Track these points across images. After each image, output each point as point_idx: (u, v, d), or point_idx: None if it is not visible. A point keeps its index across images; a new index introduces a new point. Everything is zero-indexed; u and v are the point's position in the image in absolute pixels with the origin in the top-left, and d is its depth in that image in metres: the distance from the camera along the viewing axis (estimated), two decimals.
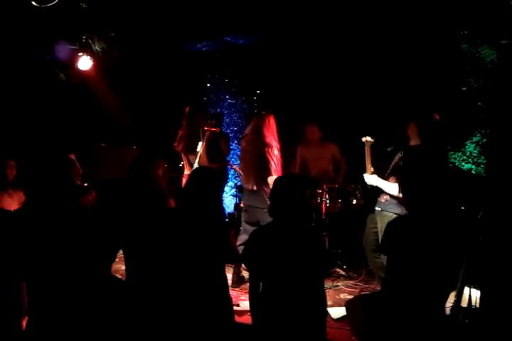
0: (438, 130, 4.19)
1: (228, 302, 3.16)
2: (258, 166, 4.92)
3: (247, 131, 5.25)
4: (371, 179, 4.35)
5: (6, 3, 5.35)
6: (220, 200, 5.83)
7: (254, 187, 4.93)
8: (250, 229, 4.89)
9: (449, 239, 2.71)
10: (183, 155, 5.80)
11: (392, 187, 4.10)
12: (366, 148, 4.59)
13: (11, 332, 2.60)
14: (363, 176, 4.46)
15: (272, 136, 4.94)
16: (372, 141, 4.62)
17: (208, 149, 5.51)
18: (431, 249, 2.69)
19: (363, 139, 4.60)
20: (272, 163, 4.86)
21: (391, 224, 2.94)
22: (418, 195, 2.83)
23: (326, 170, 5.92)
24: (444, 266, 2.70)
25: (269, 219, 3.11)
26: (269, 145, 4.88)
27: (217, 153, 5.70)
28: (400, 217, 3.39)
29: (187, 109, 5.62)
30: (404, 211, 3.86)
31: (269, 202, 3.16)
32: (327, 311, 3.89)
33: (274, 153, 4.89)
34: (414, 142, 4.22)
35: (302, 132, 6.19)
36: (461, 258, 2.77)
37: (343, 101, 6.60)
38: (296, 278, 2.88)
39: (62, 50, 6.79)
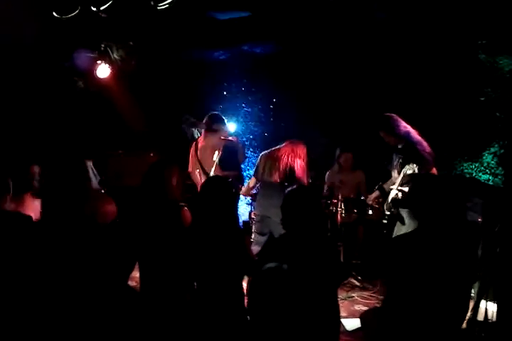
0: (404, 125, 4.31)
1: (243, 311, 3.15)
2: (283, 170, 4.91)
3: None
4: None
5: (28, 12, 5.44)
6: (235, 208, 5.83)
7: (278, 180, 4.89)
8: (262, 240, 4.88)
9: (458, 257, 2.66)
10: (198, 164, 5.82)
11: None
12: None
13: None
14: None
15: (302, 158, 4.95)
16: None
17: (224, 158, 5.54)
18: (438, 267, 2.64)
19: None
20: (298, 167, 4.85)
21: (393, 243, 2.92)
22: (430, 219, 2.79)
23: (349, 196, 5.89)
24: (452, 285, 2.64)
25: (282, 231, 3.11)
26: (299, 156, 4.89)
27: (233, 161, 5.74)
28: (402, 235, 3.33)
29: (205, 120, 5.66)
30: None
31: None
32: (340, 322, 3.87)
33: (300, 164, 4.88)
34: (399, 145, 4.42)
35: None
36: (471, 276, 2.70)
37: (359, 109, 6.59)
38: (310, 288, 2.87)
39: (81, 58, 6.89)
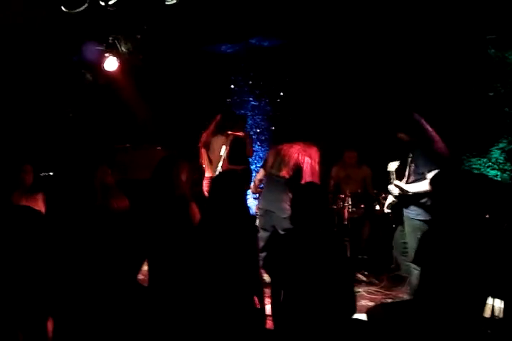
0: (425, 125, 4.23)
1: (253, 305, 3.16)
2: (292, 166, 4.90)
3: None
4: (395, 188, 4.36)
5: (36, 6, 5.45)
6: (246, 202, 5.88)
7: (287, 175, 4.91)
8: (264, 235, 4.86)
9: (485, 251, 2.67)
10: (203, 153, 5.90)
11: (420, 186, 4.08)
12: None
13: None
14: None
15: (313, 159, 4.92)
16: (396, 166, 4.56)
17: (232, 152, 5.58)
18: (465, 260, 2.66)
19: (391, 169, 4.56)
20: (308, 166, 4.84)
21: (426, 235, 2.91)
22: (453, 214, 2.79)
23: (356, 191, 5.90)
24: (479, 279, 2.66)
25: (287, 225, 3.12)
26: (309, 155, 4.88)
27: (241, 155, 5.77)
28: (435, 228, 3.33)
29: (218, 117, 5.76)
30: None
31: (288, 211, 3.17)
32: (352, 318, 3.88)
33: (310, 163, 4.86)
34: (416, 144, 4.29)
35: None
36: (496, 270, 2.70)
37: (367, 104, 6.58)
38: (318, 285, 2.88)
39: (90, 50, 6.89)
